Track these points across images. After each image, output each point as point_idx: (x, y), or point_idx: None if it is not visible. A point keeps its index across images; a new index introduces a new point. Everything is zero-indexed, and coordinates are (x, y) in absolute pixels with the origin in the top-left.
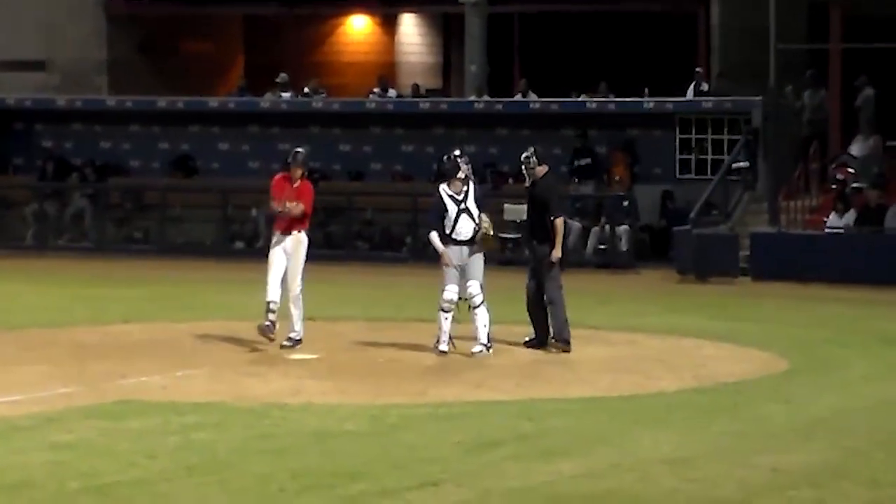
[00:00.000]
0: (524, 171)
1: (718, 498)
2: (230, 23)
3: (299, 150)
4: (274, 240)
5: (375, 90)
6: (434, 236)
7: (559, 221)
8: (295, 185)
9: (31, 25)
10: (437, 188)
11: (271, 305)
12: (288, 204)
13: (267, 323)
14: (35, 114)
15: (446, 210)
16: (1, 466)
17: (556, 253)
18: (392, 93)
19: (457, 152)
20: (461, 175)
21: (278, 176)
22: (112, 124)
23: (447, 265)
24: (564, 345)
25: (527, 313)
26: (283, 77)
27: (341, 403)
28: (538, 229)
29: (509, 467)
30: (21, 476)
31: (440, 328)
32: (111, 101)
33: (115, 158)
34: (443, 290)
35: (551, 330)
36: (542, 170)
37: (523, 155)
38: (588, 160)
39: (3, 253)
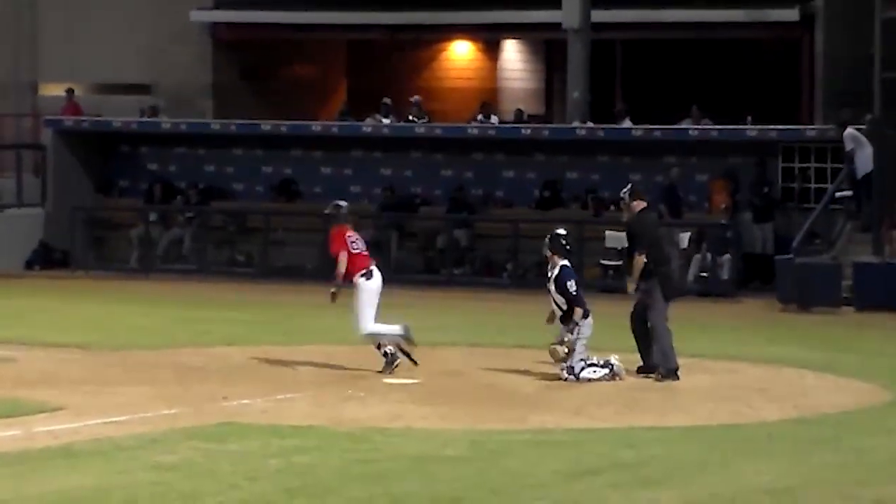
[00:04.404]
0: (623, 207)
1: None
2: (334, 48)
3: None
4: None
5: (479, 117)
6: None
7: (639, 259)
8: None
9: (136, 49)
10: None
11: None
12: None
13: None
14: (140, 137)
15: None
16: (105, 486)
17: (630, 286)
18: (494, 119)
19: (561, 231)
20: (546, 252)
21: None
22: (216, 148)
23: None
24: (669, 373)
25: (633, 338)
26: (386, 101)
27: (441, 429)
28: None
29: (609, 495)
30: (125, 496)
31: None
32: (215, 125)
33: (218, 181)
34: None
35: (654, 360)
36: (637, 205)
37: (623, 190)
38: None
39: (107, 275)
